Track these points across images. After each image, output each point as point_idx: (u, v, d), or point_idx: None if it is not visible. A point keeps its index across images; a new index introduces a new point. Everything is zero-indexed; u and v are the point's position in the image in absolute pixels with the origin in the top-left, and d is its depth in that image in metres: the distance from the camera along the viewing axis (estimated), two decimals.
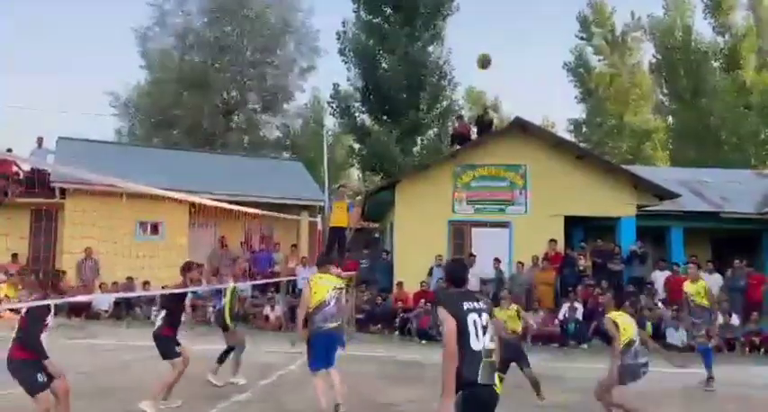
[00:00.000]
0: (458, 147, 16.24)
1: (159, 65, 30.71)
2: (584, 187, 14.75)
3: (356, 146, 29.43)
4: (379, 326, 13.20)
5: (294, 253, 16.63)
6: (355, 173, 37.03)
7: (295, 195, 17.99)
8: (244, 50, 30.74)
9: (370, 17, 26.23)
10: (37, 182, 15.98)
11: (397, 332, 12.98)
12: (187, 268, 7.01)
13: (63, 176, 15.04)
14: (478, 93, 41.24)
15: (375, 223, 21.52)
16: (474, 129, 18.05)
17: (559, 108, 77.08)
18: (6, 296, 8.86)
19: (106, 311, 14.01)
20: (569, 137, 30.78)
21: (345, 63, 27.11)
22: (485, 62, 13.34)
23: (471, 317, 3.77)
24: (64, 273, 14.48)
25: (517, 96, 69.61)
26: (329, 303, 6.18)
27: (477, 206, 15.05)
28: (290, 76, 32.57)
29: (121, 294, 13.34)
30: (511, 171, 15.07)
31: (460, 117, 21.25)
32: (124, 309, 14.17)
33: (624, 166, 17.01)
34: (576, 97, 36.35)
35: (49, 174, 15.74)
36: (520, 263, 14.06)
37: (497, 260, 14.06)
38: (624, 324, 6.11)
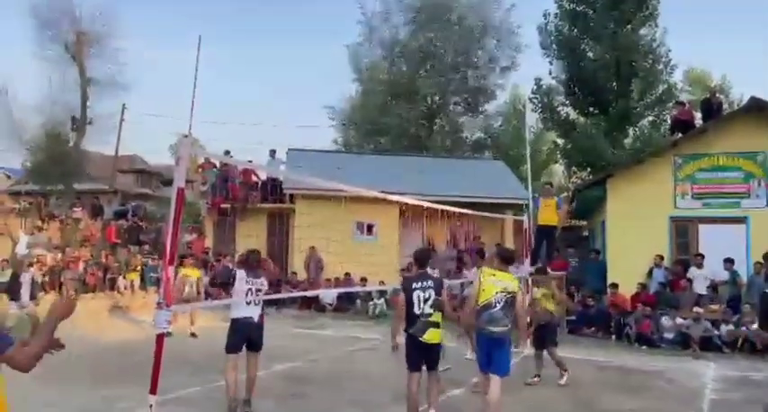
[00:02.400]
0: (679, 135, 14.77)
1: (369, 77, 32.83)
2: None
3: (560, 141, 28.36)
4: (593, 329, 12.55)
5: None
6: (559, 169, 35.70)
7: (498, 194, 17.94)
8: (446, 55, 31.46)
9: (574, 6, 25.07)
10: (273, 189, 18.19)
11: (613, 336, 12.22)
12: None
13: (293, 183, 16.92)
14: (701, 74, 36.99)
15: (583, 221, 20.52)
16: (698, 115, 16.26)
17: None
18: (186, 275, 10.69)
19: (330, 304, 15.38)
20: None
21: (547, 57, 26.28)
22: None
23: (417, 293, 5.71)
24: (294, 273, 16.47)
25: (748, 74, 60.82)
26: (495, 306, 5.60)
27: (705, 200, 13.53)
28: (491, 75, 32.58)
29: (346, 289, 14.53)
30: (746, 159, 13.28)
31: (681, 102, 19.26)
32: (346, 303, 15.42)
33: None
34: None
35: (282, 182, 17.78)
36: (759, 263, 12.30)
37: (730, 260, 12.47)
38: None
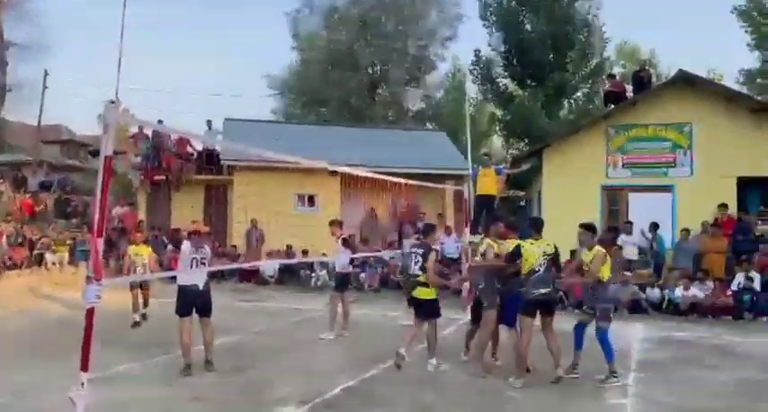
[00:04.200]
0: (612, 107, 15.24)
1: (308, 45, 32.15)
2: (761, 145, 13.15)
3: (499, 112, 28.79)
4: None
5: (440, 222, 16.80)
6: (498, 140, 36.33)
7: (440, 165, 18.08)
8: (386, 24, 31.14)
9: None
10: (210, 160, 17.66)
11: None
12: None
13: (231, 154, 16.47)
14: (632, 47, 38.18)
15: (521, 191, 21.04)
16: (629, 87, 16.80)
17: (727, 59, 68.67)
18: (136, 253, 9.44)
19: (272, 277, 15.23)
20: (740, 90, 27.50)
21: (487, 28, 26.46)
22: None
23: (412, 256, 7.03)
24: (234, 246, 16.16)
25: (676, 49, 63.29)
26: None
27: (634, 169, 14.08)
28: (432, 46, 32.54)
29: (286, 260, 14.38)
30: (673, 130, 13.86)
31: (612, 75, 19.84)
32: (287, 275, 15.30)
33: None
34: (748, 45, 32.27)
35: (219, 153, 17.28)
36: (685, 229, 12.97)
37: (654, 225, 13.07)
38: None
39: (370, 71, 32.31)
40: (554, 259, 6.49)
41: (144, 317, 9.33)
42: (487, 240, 7.05)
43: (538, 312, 6.40)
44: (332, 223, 9.16)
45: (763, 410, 5.51)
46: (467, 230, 11.22)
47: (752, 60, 32.35)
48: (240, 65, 73.96)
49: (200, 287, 6.50)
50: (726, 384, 6.41)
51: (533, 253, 6.39)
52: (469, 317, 7.48)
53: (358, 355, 7.45)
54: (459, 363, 7.09)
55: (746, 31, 32.00)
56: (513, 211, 20.86)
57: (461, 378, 6.55)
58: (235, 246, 16.24)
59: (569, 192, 13.97)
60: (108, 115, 4.32)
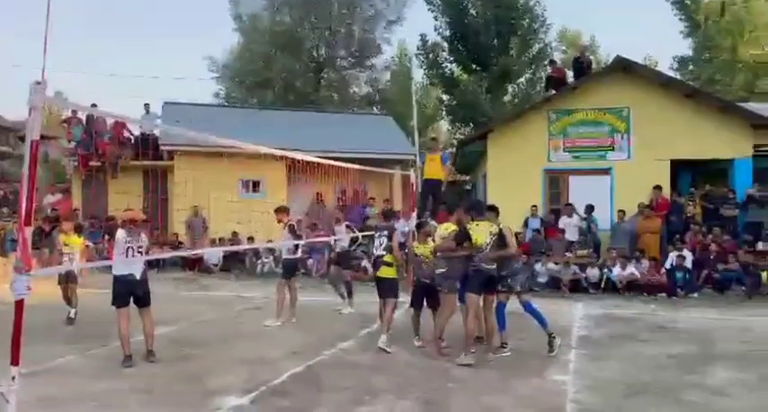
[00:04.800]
0: (553, 92, 15.56)
1: (251, 27, 31.37)
2: (694, 128, 13.75)
3: (445, 97, 28.97)
4: None
5: (387, 207, 16.83)
6: (445, 125, 36.61)
7: (387, 150, 18.08)
8: (330, 6, 30.70)
9: None
10: (148, 145, 17.04)
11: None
12: None
13: (170, 139, 15.95)
14: (573, 33, 39.06)
15: (466, 175, 21.30)
16: (570, 73, 17.19)
17: (662, 45, 71.29)
18: (66, 243, 8.85)
19: (216, 265, 14.94)
20: (674, 75, 28.63)
21: (432, 12, 26.48)
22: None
23: (378, 239, 7.74)
24: (176, 234, 15.71)
25: (615, 35, 65.25)
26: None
27: (574, 153, 14.46)
28: (377, 29, 32.33)
29: (231, 248, 14.10)
30: (612, 114, 14.30)
31: (553, 61, 20.26)
32: (233, 263, 15.03)
33: (739, 104, 15.62)
34: (681, 32, 33.57)
35: (158, 138, 16.71)
36: (621, 211, 13.45)
37: (590, 207, 13.51)
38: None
39: (315, 54, 31.87)
40: (500, 238, 6.61)
41: (71, 319, 8.73)
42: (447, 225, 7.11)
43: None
44: (278, 210, 9.03)
45: (691, 381, 5.79)
46: (414, 215, 11.28)
47: (685, 47, 33.75)
48: (179, 47, 71.59)
49: (137, 277, 6.30)
50: (658, 358, 6.70)
51: (481, 232, 6.54)
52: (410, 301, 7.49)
53: (305, 342, 7.39)
54: (407, 346, 7.14)
55: (680, 19, 33.29)
56: (459, 195, 21.12)
57: (408, 360, 6.60)
58: (176, 234, 15.81)
59: (513, 175, 14.24)
60: (34, 97, 4.06)
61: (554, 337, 6.76)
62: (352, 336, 7.73)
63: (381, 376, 5.93)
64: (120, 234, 6.35)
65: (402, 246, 7.50)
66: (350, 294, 9.50)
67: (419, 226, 7.61)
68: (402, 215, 15.59)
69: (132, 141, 17.32)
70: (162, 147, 16.62)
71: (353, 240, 10.01)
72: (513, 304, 6.97)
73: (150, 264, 13.91)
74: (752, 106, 15.89)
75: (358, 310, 9.48)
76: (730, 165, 13.96)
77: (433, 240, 7.15)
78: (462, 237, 6.59)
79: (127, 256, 6.25)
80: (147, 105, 18.11)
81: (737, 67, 31.06)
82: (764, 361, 6.54)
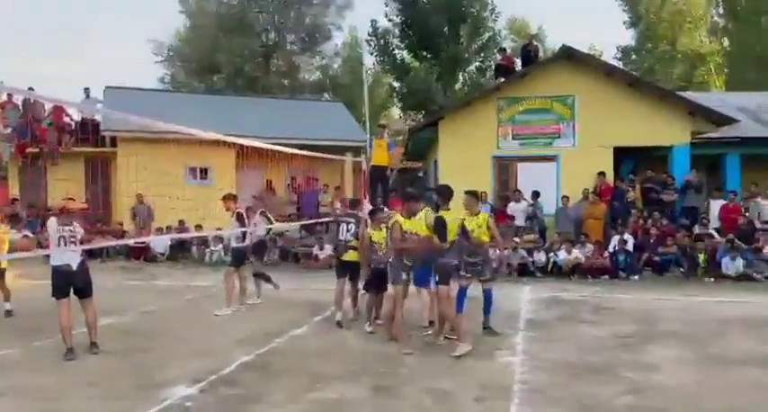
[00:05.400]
0: (502, 80, 15.77)
1: (197, 9, 30.51)
2: (636, 116, 14.20)
3: (396, 84, 28.97)
4: None
5: (338, 194, 16.79)
6: (396, 112, 36.67)
7: (338, 136, 17.98)
8: None
9: None
10: (88, 130, 16.43)
11: None
12: None
13: (113, 125, 15.41)
14: (521, 22, 39.64)
15: (418, 162, 21.41)
16: (518, 61, 17.45)
17: (606, 36, 73.20)
18: None
19: (162, 254, 14.59)
20: (618, 65, 29.49)
21: None
22: None
23: (342, 225, 7.75)
24: (120, 223, 15.25)
25: (562, 25, 66.55)
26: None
27: (522, 141, 14.72)
28: (327, 14, 31.98)
29: (177, 235, 13.80)
30: (558, 102, 14.60)
31: (503, 49, 20.53)
32: (180, 252, 14.71)
33: (678, 93, 16.23)
34: (624, 23, 34.58)
35: (99, 124, 16.12)
36: (565, 197, 13.82)
37: (536, 193, 13.83)
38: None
39: (264, 39, 31.29)
40: (463, 228, 6.63)
41: (8, 312, 8.24)
42: (397, 216, 6.86)
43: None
44: (225, 197, 8.88)
45: (631, 359, 6.03)
46: (366, 202, 11.30)
47: (628, 38, 34.79)
48: (121, 29, 68.94)
49: (74, 267, 6.08)
50: (602, 338, 6.95)
51: (454, 223, 6.46)
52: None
53: (256, 330, 7.32)
54: (359, 332, 7.17)
55: (623, 10, 34.26)
56: (411, 182, 21.23)
57: (361, 346, 6.63)
58: (121, 223, 15.34)
59: (463, 162, 14.38)
60: None
61: (487, 329, 7.04)
62: (304, 324, 7.70)
63: (333, 362, 5.93)
64: (51, 223, 6.15)
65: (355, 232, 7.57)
66: (267, 280, 9.29)
67: (372, 213, 7.68)
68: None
69: (73, 127, 16.65)
70: (104, 133, 16.03)
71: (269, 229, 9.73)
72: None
73: (93, 254, 13.55)
74: (690, 95, 16.54)
75: (310, 298, 9.43)
76: (670, 152, 14.51)
77: (387, 227, 7.17)
78: (442, 228, 6.29)
79: (59, 246, 6.05)
80: (87, 90, 17.45)
81: (677, 58, 32.25)
82: (699, 339, 6.87)
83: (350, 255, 7.63)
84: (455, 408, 4.68)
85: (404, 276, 6.67)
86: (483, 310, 7.07)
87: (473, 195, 6.92)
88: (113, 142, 16.19)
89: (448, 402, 4.81)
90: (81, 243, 6.40)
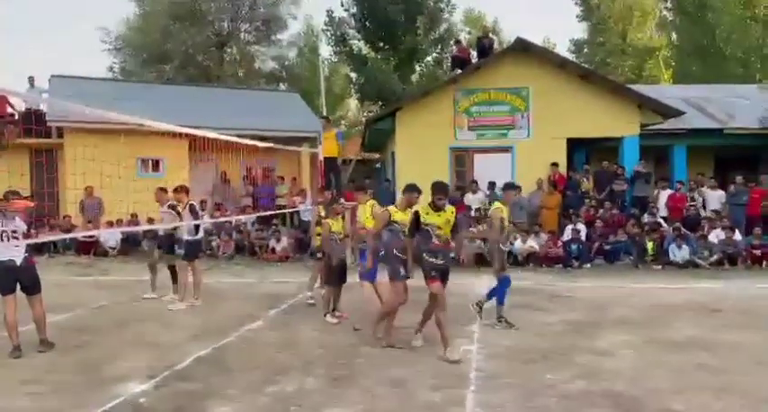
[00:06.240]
0: (458, 71, 15.88)
1: None
2: (588, 108, 14.53)
3: (353, 75, 28.83)
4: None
5: (295, 185, 16.67)
6: (353, 103, 36.52)
7: (294, 127, 17.76)
8: None
9: None
10: (33, 121, 15.77)
11: None
12: None
13: (60, 115, 14.85)
14: (477, 15, 40.00)
15: (376, 153, 21.42)
16: (474, 53, 17.60)
17: (560, 28, 74.65)
18: None
19: (113, 248, 14.19)
20: (571, 58, 30.09)
21: None
22: None
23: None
24: (68, 217, 14.74)
25: (517, 17, 67.42)
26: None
27: (478, 132, 14.88)
28: (283, 3, 31.52)
29: (127, 229, 13.41)
30: (512, 94, 14.80)
31: (459, 41, 20.68)
32: (131, 246, 14.32)
33: (628, 86, 16.67)
34: (577, 16, 35.29)
35: (45, 114, 15.51)
36: (518, 187, 14.01)
37: (491, 184, 14.01)
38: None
39: (218, 28, 30.64)
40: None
41: None
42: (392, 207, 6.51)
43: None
44: (176, 190, 8.70)
45: (584, 345, 6.20)
46: (327, 194, 11.25)
47: (580, 31, 35.51)
48: (68, 16, 66.39)
49: (18, 262, 5.88)
50: (555, 325, 7.12)
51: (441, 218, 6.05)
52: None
53: (211, 324, 7.21)
54: (317, 324, 7.14)
55: (576, 4, 34.91)
56: (369, 174, 21.23)
57: (318, 338, 6.60)
58: (68, 217, 14.83)
59: (421, 153, 14.45)
60: None
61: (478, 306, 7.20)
62: (260, 317, 7.63)
63: (290, 355, 5.90)
64: None
65: (307, 224, 7.52)
66: (175, 280, 8.88)
67: (329, 204, 7.64)
68: (305, 195, 15.50)
69: (16, 117, 15.96)
70: (50, 124, 15.43)
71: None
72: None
73: (40, 249, 13.07)
74: (639, 88, 17.03)
75: (268, 291, 9.35)
76: (620, 143, 14.90)
77: (343, 218, 7.15)
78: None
79: (2, 242, 5.83)
80: (31, 78, 16.76)
81: (627, 51, 33.11)
82: (648, 324, 7.11)
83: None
84: (413, 397, 4.72)
85: (402, 271, 6.08)
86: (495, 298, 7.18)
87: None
88: (60, 133, 15.60)
89: (406, 391, 4.84)
90: (26, 237, 6.15)
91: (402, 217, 6.22)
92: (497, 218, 7.04)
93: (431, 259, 5.86)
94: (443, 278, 5.93)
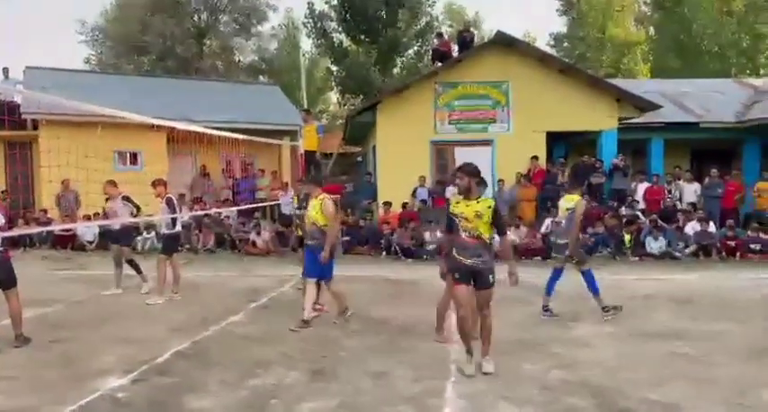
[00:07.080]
0: (439, 64, 15.89)
1: None
2: (567, 102, 14.65)
3: (334, 68, 28.71)
4: (366, 246, 13.37)
5: (276, 178, 16.59)
6: (334, 96, 36.39)
7: (274, 120, 17.67)
8: None
9: None
10: (7, 112, 15.50)
11: (384, 252, 13.17)
12: None
13: (35, 107, 14.59)
14: (458, 8, 40.03)
15: (357, 147, 21.37)
16: (455, 47, 17.61)
17: (540, 22, 75.06)
18: None
19: (91, 242, 14.01)
20: (551, 52, 30.29)
21: None
22: None
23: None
24: (44, 210, 14.51)
25: (498, 11, 67.63)
26: None
27: (459, 125, 14.92)
28: None
29: (103, 222, 13.23)
30: (493, 88, 14.86)
31: (440, 34, 20.67)
32: (110, 240, 14.12)
33: (606, 80, 16.83)
34: (557, 10, 35.49)
35: (20, 105, 15.23)
36: (501, 180, 14.15)
37: None
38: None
39: (197, 19, 30.27)
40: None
41: None
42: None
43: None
44: (155, 183, 8.61)
45: (561, 336, 6.29)
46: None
47: (560, 25, 35.72)
48: (45, 7, 64.98)
49: None
50: (534, 317, 7.20)
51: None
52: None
53: (190, 318, 7.16)
54: (297, 318, 7.12)
55: None
56: (350, 167, 21.22)
57: (301, 332, 6.59)
58: (45, 210, 14.60)
59: (402, 147, 14.46)
60: None
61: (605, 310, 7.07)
62: (240, 310, 7.60)
63: (271, 348, 5.88)
64: None
65: (288, 217, 7.46)
66: (138, 271, 9.08)
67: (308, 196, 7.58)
68: (286, 188, 15.43)
69: None
70: (24, 116, 15.15)
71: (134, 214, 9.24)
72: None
73: (15, 243, 12.84)
74: (617, 82, 17.19)
75: (248, 284, 9.30)
76: (599, 137, 15.06)
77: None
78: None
79: None
80: (5, 69, 16.44)
81: (606, 46, 33.40)
82: (624, 315, 7.20)
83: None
84: (394, 389, 4.74)
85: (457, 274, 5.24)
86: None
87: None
88: (35, 125, 15.32)
89: (387, 383, 4.87)
90: (1, 230, 6.07)
91: (462, 209, 5.16)
92: (580, 213, 7.10)
93: (458, 257, 5.13)
94: (472, 281, 5.18)
